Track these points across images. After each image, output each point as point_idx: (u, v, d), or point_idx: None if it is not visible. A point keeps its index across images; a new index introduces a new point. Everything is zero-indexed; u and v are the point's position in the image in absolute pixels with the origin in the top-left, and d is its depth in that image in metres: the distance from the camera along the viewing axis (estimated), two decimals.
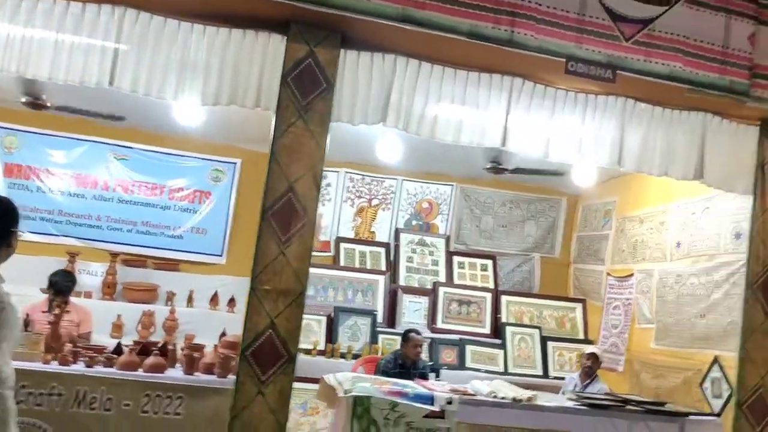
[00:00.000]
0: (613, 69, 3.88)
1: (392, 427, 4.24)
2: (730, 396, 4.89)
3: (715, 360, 5.09)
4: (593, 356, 5.65)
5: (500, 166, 6.30)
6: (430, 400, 4.31)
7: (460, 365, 6.65)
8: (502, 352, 6.85)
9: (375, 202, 7.54)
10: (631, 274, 6.35)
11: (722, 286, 5.01)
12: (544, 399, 4.75)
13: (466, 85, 4.25)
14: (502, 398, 4.50)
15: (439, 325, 7.00)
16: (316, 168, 3.97)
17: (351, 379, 4.51)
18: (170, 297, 6.32)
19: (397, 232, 7.53)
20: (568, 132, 4.42)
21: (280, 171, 3.94)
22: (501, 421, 4.43)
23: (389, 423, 4.24)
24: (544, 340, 7.01)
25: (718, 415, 4.91)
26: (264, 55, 3.94)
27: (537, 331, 7.04)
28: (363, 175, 7.47)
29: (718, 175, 4.61)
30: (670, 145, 4.55)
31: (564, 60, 3.82)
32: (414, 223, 7.70)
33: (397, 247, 7.45)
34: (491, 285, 7.49)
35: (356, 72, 4.09)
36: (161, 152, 6.89)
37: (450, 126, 4.30)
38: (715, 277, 5.10)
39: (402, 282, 7.28)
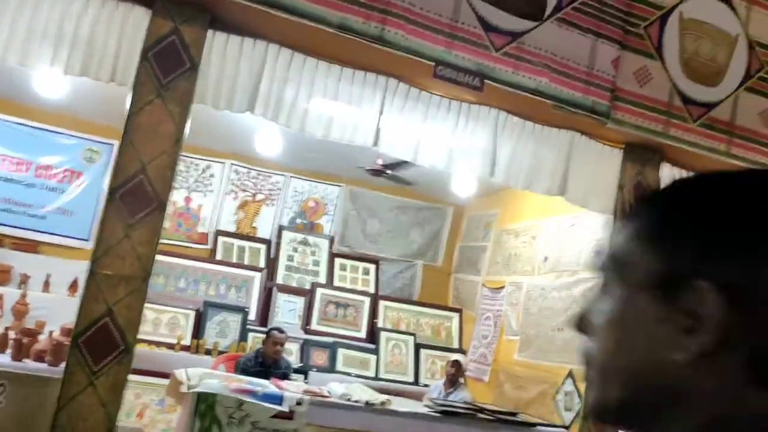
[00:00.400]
0: (481, 77, 3.90)
1: (236, 426, 4.09)
2: (580, 409, 5.02)
3: (570, 373, 5.22)
4: (456, 364, 5.69)
5: (379, 169, 6.26)
6: (279, 400, 4.20)
7: (331, 368, 6.56)
8: (374, 357, 6.82)
9: (260, 197, 7.36)
10: (503, 286, 6.47)
11: (579, 301, 5.15)
12: (400, 404, 4.73)
13: (340, 81, 4.17)
14: (356, 401, 4.44)
15: (314, 326, 6.90)
16: (173, 151, 3.78)
17: (200, 375, 4.33)
18: (24, 280, 5.92)
19: (280, 229, 7.38)
20: (440, 138, 4.43)
21: (133, 151, 3.72)
22: (352, 425, 4.37)
23: (233, 422, 4.10)
24: (417, 347, 7.03)
25: (567, 428, 5.03)
26: (123, 27, 3.72)
27: (411, 338, 7.05)
28: (249, 168, 7.28)
29: (580, 192, 4.73)
30: (537, 159, 4.63)
31: (433, 63, 3.80)
32: (299, 221, 7.57)
33: (278, 244, 7.30)
34: (372, 289, 7.47)
35: (224, 55, 3.93)
36: (30, 126, 6.46)
37: (321, 121, 4.21)
38: (573, 292, 5.25)
39: (280, 280, 7.13)
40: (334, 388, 4.69)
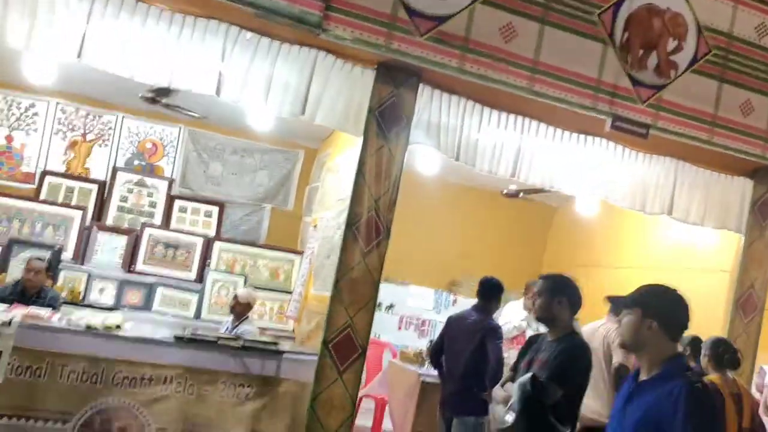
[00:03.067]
0: None
1: None
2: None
3: None
4: (236, 298, 5.60)
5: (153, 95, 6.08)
6: None
7: (145, 307, 6.47)
8: (197, 297, 6.72)
9: (90, 137, 7.20)
10: (317, 224, 6.34)
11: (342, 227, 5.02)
12: (141, 331, 4.65)
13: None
14: (77, 326, 4.34)
15: (139, 267, 6.78)
16: None
17: None
18: None
19: (115, 170, 7.23)
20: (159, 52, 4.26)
21: None
22: (70, 348, 4.27)
23: None
24: None
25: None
26: None
27: (242, 279, 6.94)
28: (77, 107, 7.11)
29: (327, 114, 4.56)
30: (277, 79, 4.46)
31: None
32: (137, 163, 7.42)
33: (111, 185, 7.15)
34: (213, 232, 7.35)
35: None
36: None
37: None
38: (339, 221, 5.12)
39: (110, 221, 7.02)
40: (78, 315, 4.59)
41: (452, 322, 5.05)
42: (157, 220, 7.16)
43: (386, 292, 7.18)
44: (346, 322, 4.54)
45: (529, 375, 3.31)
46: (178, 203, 7.35)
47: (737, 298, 5.55)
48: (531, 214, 8.68)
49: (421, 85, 4.68)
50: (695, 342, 5.14)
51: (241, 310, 5.57)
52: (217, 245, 7.11)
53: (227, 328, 5.61)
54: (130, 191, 7.21)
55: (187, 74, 4.31)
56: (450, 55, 4.31)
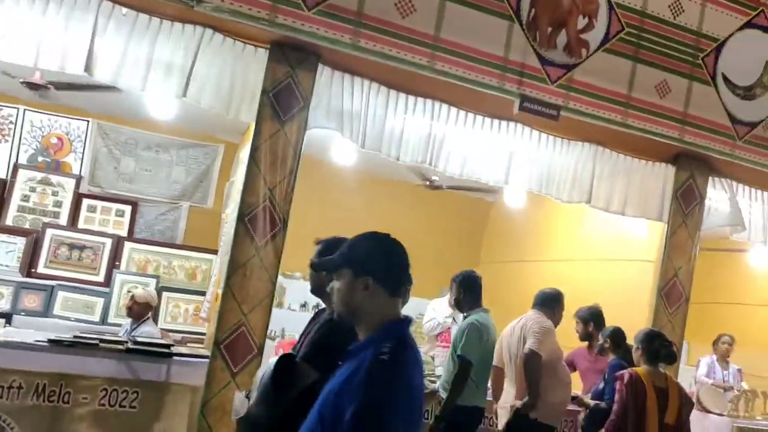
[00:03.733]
0: None
1: None
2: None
3: None
4: (132, 298, 5.23)
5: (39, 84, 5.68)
6: None
7: (45, 312, 6.03)
8: (103, 300, 6.30)
9: None
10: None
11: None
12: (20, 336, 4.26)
13: None
14: None
15: (41, 269, 6.33)
16: None
17: None
18: None
19: (16, 167, 6.76)
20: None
21: None
22: None
23: None
24: (159, 291, 6.52)
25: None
26: None
27: (154, 280, 6.54)
28: None
29: (213, 96, 4.25)
30: (159, 59, 4.12)
31: None
32: (41, 159, 6.95)
33: (12, 183, 6.68)
34: (125, 232, 6.93)
35: None
36: None
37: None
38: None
39: (9, 222, 6.54)
40: None
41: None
42: (64, 220, 6.71)
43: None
44: (239, 321, 4.22)
45: (275, 358, 2.69)
46: (86, 202, 6.91)
47: (661, 288, 5.38)
48: (467, 209, 8.44)
49: (320, 66, 4.40)
50: (616, 333, 4.94)
51: (139, 310, 5.19)
52: (128, 246, 6.69)
53: (126, 330, 5.22)
54: (33, 190, 6.74)
55: (55, 53, 3.94)
56: (343, 31, 4.03)
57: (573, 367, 5.39)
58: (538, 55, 4.41)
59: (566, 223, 7.09)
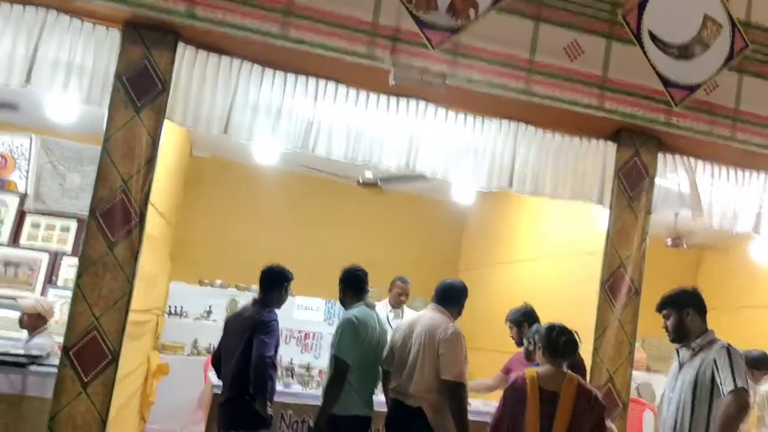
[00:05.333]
0: None
1: None
2: None
3: None
4: (26, 310, 4.96)
5: None
6: None
7: None
8: None
9: None
10: None
11: None
12: None
13: None
14: None
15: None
16: None
17: None
18: None
19: None
20: None
21: None
22: None
23: None
24: None
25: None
26: None
27: None
28: None
29: (63, 83, 3.95)
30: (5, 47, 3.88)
31: None
32: None
33: None
34: (70, 248, 6.74)
35: None
36: None
37: None
38: None
39: None
40: None
41: (229, 322, 4.32)
42: (4, 237, 6.57)
43: None
44: (90, 324, 3.86)
45: None
46: (30, 219, 6.76)
47: (605, 281, 4.72)
48: (439, 213, 7.92)
49: (181, 45, 4.05)
50: (538, 333, 4.34)
51: (30, 321, 4.92)
52: (66, 261, 6.49)
53: (21, 343, 4.94)
54: None
55: None
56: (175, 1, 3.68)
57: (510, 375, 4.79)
58: (416, 19, 3.93)
59: (528, 221, 6.48)
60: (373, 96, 4.38)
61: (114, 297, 3.88)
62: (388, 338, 4.23)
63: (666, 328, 3.59)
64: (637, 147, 4.76)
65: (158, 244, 6.24)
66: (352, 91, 4.35)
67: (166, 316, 7.27)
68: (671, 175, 4.92)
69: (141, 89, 3.95)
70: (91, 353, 3.82)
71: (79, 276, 3.89)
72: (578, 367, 4.48)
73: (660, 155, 4.84)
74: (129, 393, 5.40)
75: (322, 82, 4.29)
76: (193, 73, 4.10)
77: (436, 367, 3.91)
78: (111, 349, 3.85)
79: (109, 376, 3.83)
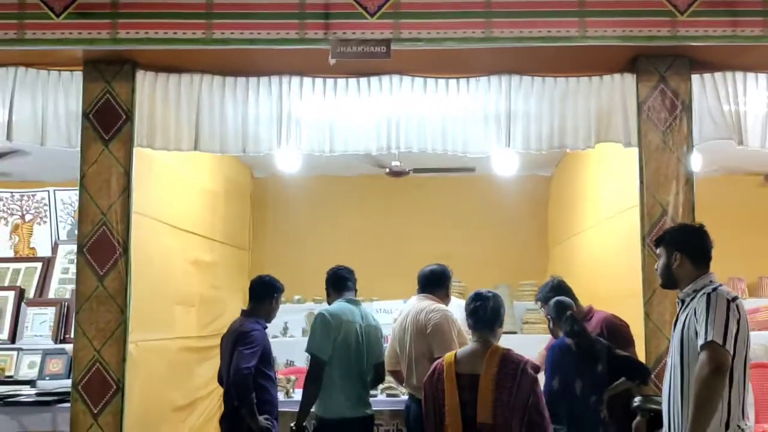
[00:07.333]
0: None
1: None
2: None
3: None
4: None
5: None
6: None
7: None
8: None
9: (28, 217, 7.40)
10: None
11: None
12: None
13: None
14: None
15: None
16: None
17: None
18: None
19: (56, 244, 7.33)
20: None
21: None
22: None
23: None
24: None
25: None
26: None
27: None
28: (12, 192, 7.37)
29: (35, 132, 4.16)
30: None
31: None
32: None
33: (53, 259, 7.24)
34: None
35: None
36: None
37: None
38: None
39: (52, 295, 7.07)
40: None
41: (223, 337, 4.22)
42: None
43: None
44: (92, 358, 3.97)
45: None
46: None
47: (646, 236, 4.04)
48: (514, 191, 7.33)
49: (140, 72, 4.10)
50: (556, 306, 3.85)
51: None
52: None
53: None
54: (72, 261, 7.23)
55: None
56: (100, 28, 3.70)
57: None
58: None
59: (592, 182, 5.77)
60: (340, 80, 4.13)
61: (110, 328, 3.98)
62: (382, 334, 3.97)
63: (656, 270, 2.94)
64: (661, 73, 4.05)
65: (218, 269, 6.39)
66: (318, 80, 4.13)
67: None
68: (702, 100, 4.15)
69: (106, 123, 4.04)
70: (97, 385, 3.93)
71: (77, 313, 4.03)
72: (621, 338, 3.90)
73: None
74: (208, 413, 5.55)
75: (285, 78, 4.12)
76: (155, 97, 4.12)
77: (431, 351, 3.68)
78: (115, 379, 3.94)
79: (116, 406, 3.92)
